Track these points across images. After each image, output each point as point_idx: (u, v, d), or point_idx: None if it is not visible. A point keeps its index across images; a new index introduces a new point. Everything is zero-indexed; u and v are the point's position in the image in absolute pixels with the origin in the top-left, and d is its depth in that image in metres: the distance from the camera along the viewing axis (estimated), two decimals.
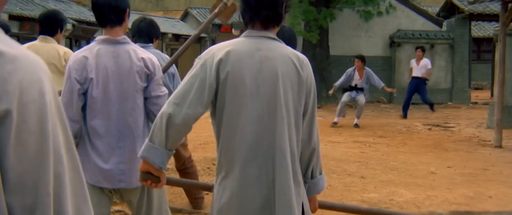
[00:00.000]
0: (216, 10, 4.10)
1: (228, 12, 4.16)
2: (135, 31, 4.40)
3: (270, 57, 2.38)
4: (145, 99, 3.16)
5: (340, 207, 3.73)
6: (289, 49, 2.50)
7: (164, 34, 25.85)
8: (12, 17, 17.58)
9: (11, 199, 0.86)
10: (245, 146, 2.34)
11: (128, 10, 3.20)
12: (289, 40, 3.19)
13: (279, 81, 2.36)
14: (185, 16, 33.14)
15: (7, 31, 4.53)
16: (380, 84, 12.22)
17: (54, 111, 0.91)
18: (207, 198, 5.20)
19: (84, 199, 0.97)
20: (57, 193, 0.90)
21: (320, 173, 2.62)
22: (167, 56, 4.59)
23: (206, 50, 2.45)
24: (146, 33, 4.39)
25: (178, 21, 31.15)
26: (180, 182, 3.68)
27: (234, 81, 2.33)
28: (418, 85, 14.04)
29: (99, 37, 3.17)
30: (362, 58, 12.14)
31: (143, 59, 3.20)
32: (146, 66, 3.20)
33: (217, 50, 2.38)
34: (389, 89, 12.76)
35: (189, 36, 27.78)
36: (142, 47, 3.49)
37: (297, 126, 2.43)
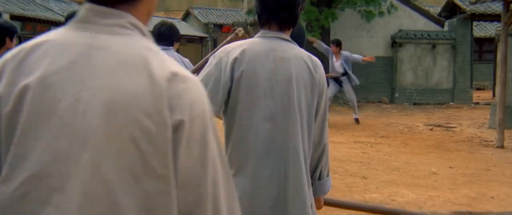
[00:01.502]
0: (227, 39, 4.14)
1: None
2: (156, 35, 4.44)
3: (285, 58, 2.40)
4: None
5: (345, 205, 3.76)
6: (302, 51, 2.51)
7: None
8: (13, 17, 17.59)
9: (178, 193, 1.04)
10: (258, 145, 2.35)
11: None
12: (298, 36, 3.21)
13: (293, 82, 2.38)
14: (186, 16, 33.15)
15: (14, 32, 4.52)
16: (359, 57, 12.29)
17: (211, 124, 1.09)
18: None
19: (234, 201, 1.15)
20: (214, 193, 1.08)
21: (328, 175, 2.64)
22: (186, 59, 4.68)
23: (221, 49, 2.47)
24: (167, 36, 4.49)
25: (179, 22, 31.13)
26: None
27: (249, 80, 2.34)
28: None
29: None
30: (337, 43, 12.17)
31: (186, 62, 3.28)
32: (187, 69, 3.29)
33: (232, 49, 2.40)
34: (367, 58, 12.51)
35: (191, 36, 27.58)
36: (162, 50, 3.59)
37: (309, 127, 2.44)
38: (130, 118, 1.01)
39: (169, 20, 5.20)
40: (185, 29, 29.47)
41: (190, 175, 1.05)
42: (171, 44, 4.51)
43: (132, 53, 1.08)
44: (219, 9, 33.36)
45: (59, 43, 1.10)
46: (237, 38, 4.09)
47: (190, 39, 29.26)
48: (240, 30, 3.82)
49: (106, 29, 1.10)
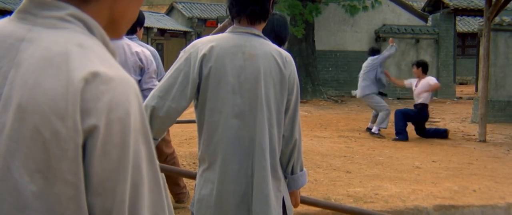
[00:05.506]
0: (220, 26, 4.10)
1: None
2: None
3: (253, 54, 2.40)
4: None
5: (323, 205, 3.75)
6: (273, 46, 2.50)
7: (150, 28, 25.70)
8: None
9: (93, 200, 0.99)
10: (226, 141, 2.36)
11: None
12: (279, 28, 3.17)
13: (261, 79, 2.38)
14: (170, 11, 33.01)
15: None
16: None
17: (138, 128, 1.03)
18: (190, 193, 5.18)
19: (162, 210, 1.09)
20: (133, 200, 1.02)
21: (301, 170, 2.64)
22: (152, 48, 4.53)
23: (191, 44, 2.46)
24: None
25: (163, 16, 31.00)
26: (162, 169, 3.66)
27: (217, 77, 2.34)
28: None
29: None
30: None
31: (137, 53, 3.26)
32: (140, 60, 3.25)
33: (202, 45, 2.39)
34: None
35: (174, 30, 27.28)
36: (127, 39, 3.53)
37: (278, 123, 2.45)
38: (42, 120, 0.96)
39: None
40: (169, 23, 29.34)
41: (106, 180, 0.99)
42: (133, 32, 4.25)
43: (57, 49, 1.01)
44: (203, 4, 33.24)
45: None
46: (230, 24, 4.06)
47: (174, 34, 29.13)
48: None
49: (43, 21, 1.05)
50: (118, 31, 1.17)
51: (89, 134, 0.97)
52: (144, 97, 3.15)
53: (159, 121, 2.31)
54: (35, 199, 0.97)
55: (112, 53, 1.10)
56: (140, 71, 3.28)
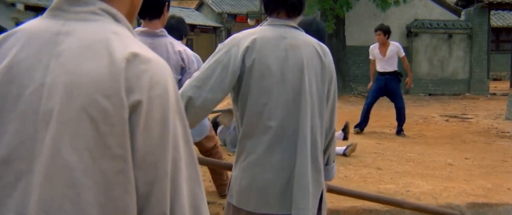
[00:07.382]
0: None
1: None
2: (166, 27, 4.49)
3: (295, 45, 2.43)
4: None
5: (348, 193, 3.79)
6: (311, 37, 2.54)
7: None
8: (28, 8, 17.68)
9: (137, 173, 1.06)
10: (270, 132, 2.37)
11: (167, 4, 3.27)
12: (322, 32, 3.27)
13: (304, 69, 2.40)
14: (200, 6, 33.12)
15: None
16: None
17: (175, 106, 1.12)
18: None
19: (198, 183, 1.16)
20: (174, 174, 1.10)
21: (333, 161, 2.73)
22: (192, 52, 4.68)
23: (230, 37, 2.48)
24: (176, 29, 4.48)
25: (193, 11, 31.14)
26: (200, 160, 3.66)
27: (260, 69, 2.35)
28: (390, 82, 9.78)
29: (137, 29, 3.27)
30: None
31: (179, 52, 3.33)
32: (182, 59, 3.30)
33: (243, 38, 2.41)
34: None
35: (205, 26, 27.48)
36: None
37: (321, 114, 2.47)
38: (88, 99, 1.05)
39: (179, 15, 5.20)
40: (198, 19, 29.46)
41: (148, 154, 1.07)
42: (180, 38, 4.46)
43: (96, 37, 1.11)
44: None
45: (30, 32, 1.15)
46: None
47: (204, 29, 29.24)
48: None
49: (76, 16, 1.14)
50: (132, 20, 1.27)
51: (133, 110, 1.06)
52: None
53: (194, 111, 2.30)
54: (84, 176, 1.03)
55: None
56: (181, 70, 3.31)
